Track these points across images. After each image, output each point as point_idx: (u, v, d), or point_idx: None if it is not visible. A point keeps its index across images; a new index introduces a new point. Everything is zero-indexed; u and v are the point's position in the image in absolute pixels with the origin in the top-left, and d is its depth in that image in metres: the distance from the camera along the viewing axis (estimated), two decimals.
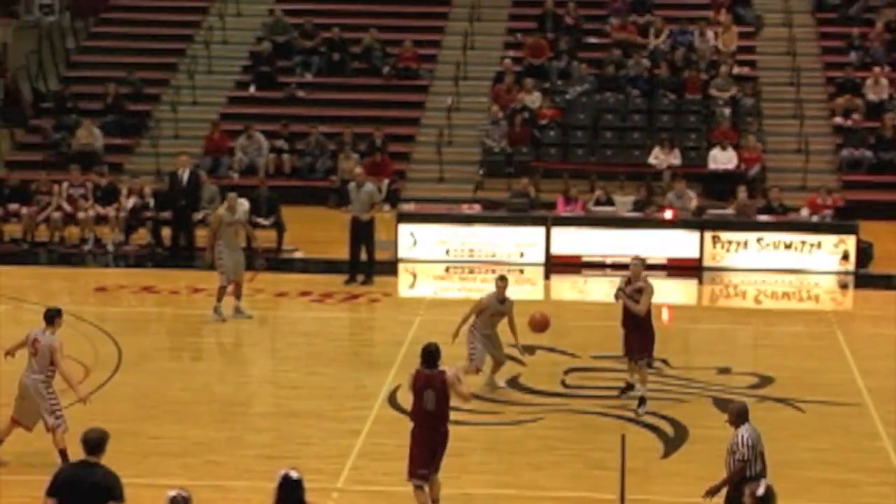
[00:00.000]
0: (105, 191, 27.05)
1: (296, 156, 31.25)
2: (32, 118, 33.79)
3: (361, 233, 24.12)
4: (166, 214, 26.27)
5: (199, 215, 26.17)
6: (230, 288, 21.78)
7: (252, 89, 33.84)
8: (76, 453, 11.13)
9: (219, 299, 21.84)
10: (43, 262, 26.11)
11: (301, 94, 33.52)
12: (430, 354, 14.27)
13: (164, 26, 35.98)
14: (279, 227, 26.50)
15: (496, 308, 18.40)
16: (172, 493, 10.76)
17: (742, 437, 12.93)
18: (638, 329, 17.97)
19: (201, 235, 26.22)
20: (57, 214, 26.61)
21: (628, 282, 18.11)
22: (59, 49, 35.62)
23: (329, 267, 25.32)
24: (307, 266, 26.04)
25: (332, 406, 18.00)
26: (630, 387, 18.30)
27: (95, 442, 11.16)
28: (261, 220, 26.43)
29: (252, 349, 21.32)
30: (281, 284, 24.21)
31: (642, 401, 17.82)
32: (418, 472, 14.06)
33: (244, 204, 22.25)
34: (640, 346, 17.94)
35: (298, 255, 26.62)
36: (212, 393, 18.60)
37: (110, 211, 26.78)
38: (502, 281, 18.43)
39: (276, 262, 25.82)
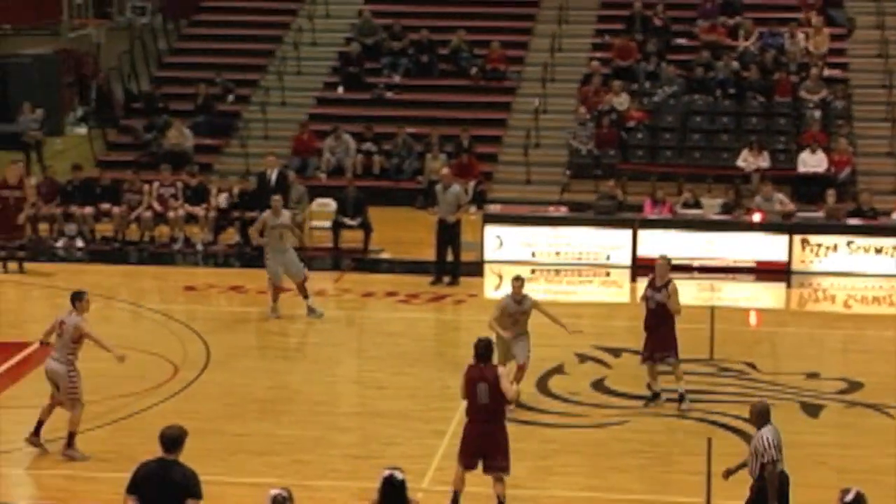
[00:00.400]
0: (195, 190, 27.30)
1: (383, 157, 31.37)
2: (124, 119, 34.19)
3: (448, 234, 24.16)
4: (254, 214, 26.42)
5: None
6: (295, 289, 21.87)
7: (340, 90, 34.01)
8: (154, 451, 11.24)
9: (274, 299, 21.99)
10: (133, 260, 26.40)
11: (389, 95, 33.65)
12: (483, 349, 14.41)
13: (254, 27, 36.26)
14: (366, 227, 26.61)
15: (513, 308, 17.67)
16: (274, 491, 10.85)
17: (767, 438, 12.85)
18: (661, 328, 17.81)
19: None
20: (147, 214, 26.90)
21: (653, 282, 17.91)
22: (151, 50, 36.01)
23: (415, 268, 25.39)
24: (393, 267, 26.13)
25: (417, 406, 18.06)
26: (657, 395, 18.11)
27: (173, 439, 11.21)
28: (348, 221, 26.57)
29: (338, 349, 21.42)
30: (367, 285, 24.31)
31: (682, 397, 17.82)
32: (467, 463, 14.30)
33: (286, 213, 22.37)
34: (664, 345, 17.77)
35: (385, 255, 26.71)
36: (298, 392, 18.72)
37: (200, 210, 27.03)
38: (517, 281, 17.72)
39: (363, 262, 25.93)
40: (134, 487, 11.15)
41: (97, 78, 36.40)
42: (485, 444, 14.28)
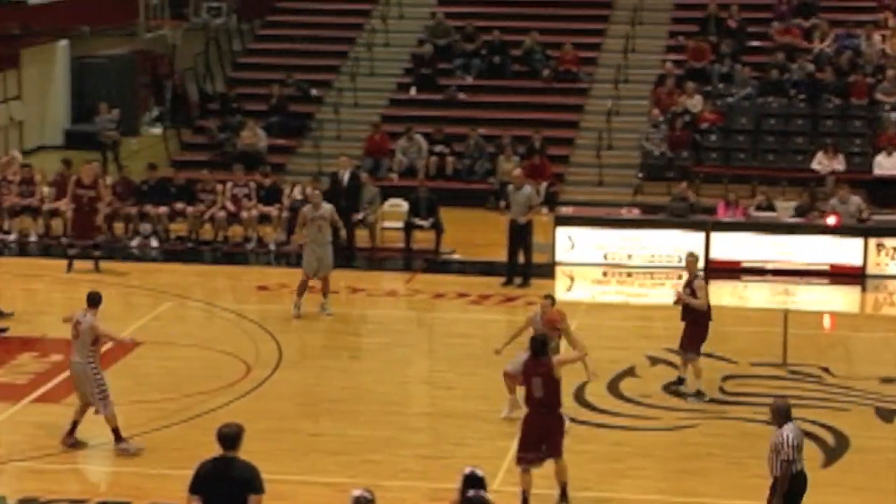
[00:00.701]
0: (268, 191, 27.45)
1: (455, 158, 31.40)
2: (199, 119, 34.45)
3: (519, 235, 24.14)
4: None
5: (358, 216, 26.43)
6: (318, 285, 21.89)
7: (413, 91, 34.09)
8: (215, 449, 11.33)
9: (299, 294, 22.00)
10: (207, 260, 26.59)
11: (461, 96, 33.68)
12: (539, 344, 14.80)
13: (328, 28, 36.42)
14: (438, 228, 26.64)
15: (539, 327, 17.21)
16: (357, 492, 10.92)
17: (787, 436, 12.89)
18: (691, 324, 18.50)
19: (361, 236, 26.50)
20: (221, 213, 27.08)
21: (688, 280, 18.64)
22: (226, 51, 36.26)
23: (486, 269, 25.39)
24: (465, 268, 26.14)
25: (487, 407, 18.05)
26: (681, 380, 18.76)
27: (231, 437, 11.24)
28: (419, 222, 26.61)
29: (409, 349, 21.47)
30: (438, 286, 24.34)
31: (698, 393, 18.39)
32: (526, 457, 14.61)
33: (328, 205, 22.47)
34: (688, 341, 18.50)
35: (456, 256, 26.73)
36: (369, 392, 18.78)
37: (273, 210, 27.17)
38: (547, 299, 17.65)
39: (434, 263, 25.97)
40: (196, 486, 11.21)
41: (172, 78, 36.69)
42: (543, 434, 14.63)
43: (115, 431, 16.16)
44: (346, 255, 25.98)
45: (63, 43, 36.15)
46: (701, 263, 20.83)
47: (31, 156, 34.24)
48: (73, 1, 36.30)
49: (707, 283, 19.11)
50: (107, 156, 32.51)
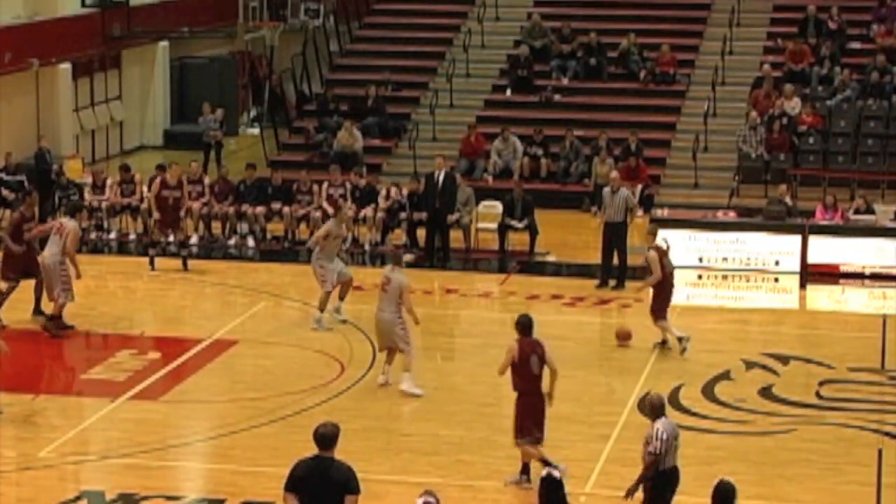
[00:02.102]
0: (363, 191, 27.57)
1: (550, 159, 31.36)
2: (296, 119, 34.70)
3: (614, 238, 24.06)
4: (421, 215, 26.63)
5: (453, 217, 26.46)
6: (336, 289, 21.72)
7: (508, 93, 34.09)
8: (310, 448, 11.40)
9: (341, 297, 21.78)
10: (303, 259, 26.70)
11: (557, 97, 33.63)
12: (527, 324, 15.34)
13: (425, 30, 36.54)
14: (532, 230, 26.60)
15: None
16: (421, 500, 11.01)
17: (658, 430, 13.13)
18: (655, 293, 20.52)
19: (455, 238, 26.54)
20: (317, 213, 27.23)
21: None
22: (324, 52, 36.49)
23: (581, 271, 25.31)
24: (559, 269, 26.08)
25: (581, 410, 18.01)
26: (665, 342, 20.46)
27: (328, 437, 11.30)
28: (514, 223, 26.59)
29: (503, 351, 21.45)
30: (533, 287, 24.31)
31: (681, 339, 20.21)
32: (536, 436, 15.06)
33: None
34: (655, 308, 20.50)
35: (551, 258, 26.69)
36: (464, 392, 18.80)
37: (368, 211, 27.29)
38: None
39: (529, 265, 25.94)
40: (293, 485, 11.28)
41: (270, 79, 37.01)
42: (542, 414, 15.14)
43: (58, 318, 19.09)
44: (441, 257, 26.04)
45: (163, 44, 36.59)
46: (660, 235, 21.60)
47: (131, 156, 34.73)
48: (174, 3, 36.75)
49: (666, 251, 20.62)
50: (208, 156, 32.84)
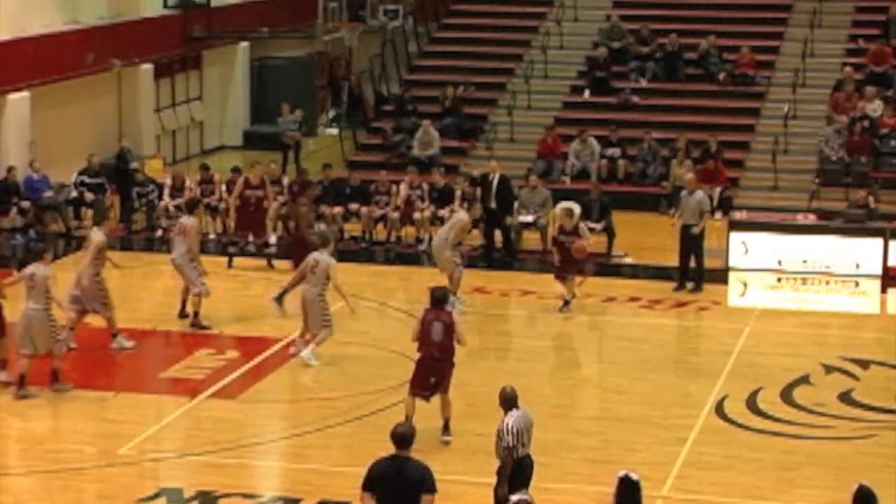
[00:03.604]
0: (441, 192, 27.61)
1: (628, 161, 31.25)
2: (374, 120, 34.82)
3: (691, 240, 23.94)
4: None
5: (512, 220, 26.33)
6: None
7: (587, 94, 34.00)
8: (388, 448, 11.44)
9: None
10: (379, 260, 26.84)
11: (635, 99, 33.50)
12: (439, 299, 16.63)
13: (503, 31, 36.51)
14: (610, 231, 26.52)
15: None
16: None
17: (508, 424, 13.40)
18: (563, 258, 22.40)
19: (531, 239, 26.46)
20: (394, 214, 27.32)
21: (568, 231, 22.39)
22: (402, 53, 36.59)
23: (658, 273, 25.20)
24: (636, 272, 25.98)
25: (657, 413, 17.95)
26: (567, 302, 22.36)
27: (405, 437, 11.41)
28: (591, 225, 26.50)
29: (579, 352, 21.44)
30: (610, 289, 24.24)
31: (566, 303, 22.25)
32: (417, 392, 16.52)
33: None
34: (560, 270, 22.50)
35: (628, 260, 26.59)
36: (539, 394, 18.75)
37: (446, 212, 27.31)
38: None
39: (606, 266, 25.87)
40: (370, 484, 11.35)
41: (349, 80, 37.16)
42: (435, 374, 16.40)
43: (55, 372, 18.30)
44: (504, 260, 25.99)
45: (243, 45, 36.86)
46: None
47: (211, 156, 35.01)
48: (254, 4, 37.02)
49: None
50: (287, 156, 33.04)
